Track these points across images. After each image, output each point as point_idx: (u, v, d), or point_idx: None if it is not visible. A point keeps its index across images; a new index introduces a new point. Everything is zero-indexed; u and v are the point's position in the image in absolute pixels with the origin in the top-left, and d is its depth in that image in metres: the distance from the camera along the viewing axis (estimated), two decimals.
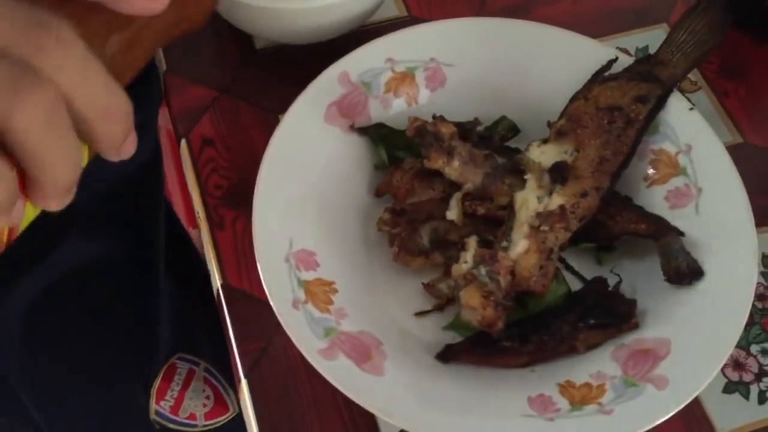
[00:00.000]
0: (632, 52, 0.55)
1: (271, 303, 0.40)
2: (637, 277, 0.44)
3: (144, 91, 0.67)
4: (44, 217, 0.59)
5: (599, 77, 0.47)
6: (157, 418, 0.58)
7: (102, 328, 0.57)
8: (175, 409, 0.59)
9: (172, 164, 1.02)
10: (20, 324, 0.54)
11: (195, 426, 0.59)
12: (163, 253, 0.63)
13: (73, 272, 0.57)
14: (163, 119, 0.96)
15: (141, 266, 0.61)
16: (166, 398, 0.58)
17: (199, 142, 0.50)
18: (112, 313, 0.59)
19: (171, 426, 0.59)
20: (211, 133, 0.51)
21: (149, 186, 0.67)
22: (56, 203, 0.26)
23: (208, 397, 0.60)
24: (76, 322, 0.56)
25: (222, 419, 0.60)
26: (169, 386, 0.59)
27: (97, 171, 0.60)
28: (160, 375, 0.58)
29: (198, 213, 0.48)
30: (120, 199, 0.63)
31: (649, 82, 0.46)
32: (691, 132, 0.45)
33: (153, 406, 0.58)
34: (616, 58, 0.47)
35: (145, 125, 0.67)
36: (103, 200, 0.61)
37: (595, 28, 0.55)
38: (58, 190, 0.25)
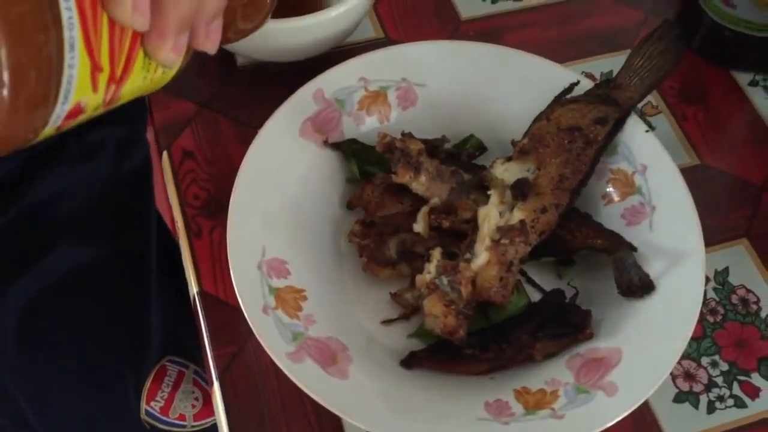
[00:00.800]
0: (597, 76, 0.57)
1: (243, 308, 0.42)
2: (594, 289, 0.47)
3: (132, 105, 0.69)
4: (35, 222, 0.61)
5: (561, 99, 0.49)
6: (147, 419, 0.60)
7: (94, 332, 0.59)
8: (165, 409, 0.60)
9: (160, 177, 1.04)
10: (13, 328, 0.56)
11: (184, 426, 0.61)
12: (155, 258, 0.65)
13: (65, 277, 0.59)
14: (152, 135, 0.98)
15: (132, 271, 0.63)
16: (156, 399, 0.60)
17: (180, 154, 0.53)
18: (104, 317, 0.60)
19: (161, 426, 0.60)
20: (192, 146, 0.53)
21: (140, 193, 0.68)
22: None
23: (197, 399, 0.62)
24: (69, 326, 0.58)
25: (210, 420, 0.62)
26: (160, 387, 0.60)
27: (88, 178, 0.62)
28: (151, 377, 0.60)
29: (177, 222, 0.50)
30: (111, 206, 0.64)
31: (607, 105, 0.48)
32: (647, 153, 0.48)
33: (143, 406, 0.60)
34: (578, 82, 0.50)
35: (133, 137, 0.69)
36: (95, 207, 0.63)
37: (562, 52, 0.58)
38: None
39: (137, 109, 0.71)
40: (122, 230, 0.64)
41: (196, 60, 0.57)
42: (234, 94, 0.55)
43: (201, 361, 0.64)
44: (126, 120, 0.69)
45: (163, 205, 1.02)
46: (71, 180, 0.62)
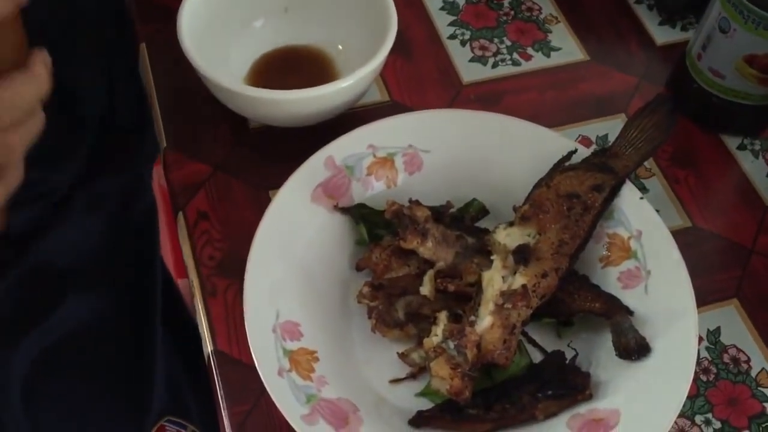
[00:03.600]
0: (593, 139, 0.60)
1: (259, 371, 0.44)
2: (592, 350, 0.49)
3: (136, 142, 0.71)
4: (42, 277, 0.63)
5: (560, 166, 0.52)
6: None
7: (97, 390, 0.60)
8: None
9: (163, 217, 1.06)
10: (19, 386, 0.57)
11: None
12: (160, 313, 0.66)
13: (71, 334, 0.60)
14: (156, 174, 1.00)
15: (137, 328, 0.64)
16: None
17: (195, 215, 0.55)
18: (108, 378, 0.61)
19: None
20: (206, 206, 0.55)
21: (146, 241, 0.70)
22: None
23: None
24: (73, 383, 0.59)
25: None
26: None
27: (95, 228, 0.64)
28: None
29: (192, 282, 0.52)
30: (118, 257, 0.66)
31: (604, 173, 0.51)
32: (642, 219, 0.50)
33: None
34: (576, 150, 0.52)
35: (138, 186, 0.71)
36: (101, 258, 0.64)
37: (559, 117, 0.61)
38: None
39: (142, 158, 0.73)
40: (128, 281, 0.66)
41: (209, 124, 0.60)
42: (246, 156, 0.58)
43: (200, 422, 0.65)
44: (131, 168, 0.71)
45: (165, 247, 1.04)
46: (78, 232, 0.63)
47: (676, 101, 0.55)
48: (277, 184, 0.51)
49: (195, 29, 0.54)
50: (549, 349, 0.49)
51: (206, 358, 0.50)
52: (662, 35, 0.67)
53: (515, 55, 0.65)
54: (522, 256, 0.47)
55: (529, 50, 0.65)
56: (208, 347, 0.50)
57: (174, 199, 0.56)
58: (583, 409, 0.46)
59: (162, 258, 0.74)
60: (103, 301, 0.62)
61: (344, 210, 0.52)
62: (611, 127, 0.61)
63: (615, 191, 0.51)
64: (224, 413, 0.47)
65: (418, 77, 0.63)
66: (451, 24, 0.66)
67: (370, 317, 0.49)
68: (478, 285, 0.48)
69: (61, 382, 0.59)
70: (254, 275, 0.47)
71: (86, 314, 0.60)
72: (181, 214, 0.55)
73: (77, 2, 0.59)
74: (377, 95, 0.62)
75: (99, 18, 0.67)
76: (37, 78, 0.35)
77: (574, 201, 0.50)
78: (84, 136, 0.63)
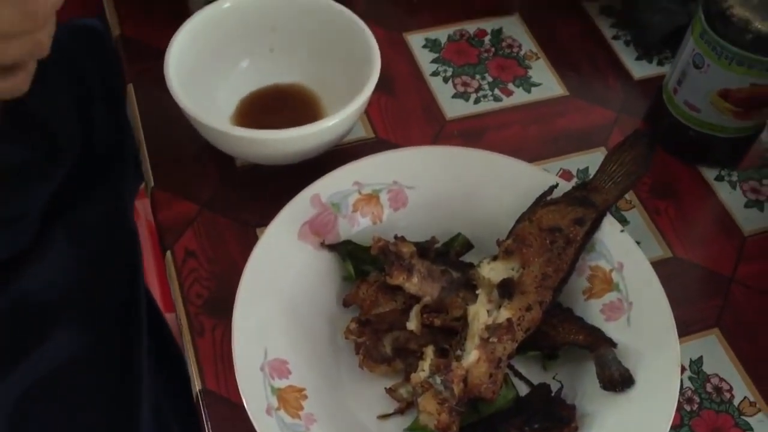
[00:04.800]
0: (574, 173, 0.61)
1: (247, 410, 0.44)
2: (578, 382, 0.49)
3: (117, 172, 0.72)
4: (26, 312, 0.63)
5: (542, 201, 0.53)
6: None
7: (83, 424, 0.60)
8: None
9: (150, 252, 1.06)
10: (6, 421, 0.57)
11: None
12: (145, 344, 0.66)
13: (57, 368, 0.60)
14: (143, 208, 1.01)
15: (123, 359, 0.64)
16: None
17: (183, 253, 0.55)
18: (93, 409, 0.61)
19: None
20: (194, 245, 0.56)
21: (127, 277, 0.70)
22: None
23: None
24: (60, 417, 0.59)
25: None
26: None
27: (76, 261, 0.64)
28: None
29: (180, 321, 0.52)
30: (98, 291, 0.66)
31: (585, 207, 0.52)
32: (623, 251, 0.51)
33: None
34: (557, 184, 0.53)
35: (119, 216, 0.71)
36: (82, 292, 0.64)
37: (540, 151, 0.62)
38: None
39: (123, 188, 0.73)
40: (111, 314, 0.66)
41: (197, 163, 0.61)
42: (234, 194, 0.58)
43: None
44: (111, 198, 0.71)
45: (153, 280, 1.04)
46: (59, 264, 0.63)
47: (654, 135, 0.56)
48: (265, 222, 0.52)
49: (182, 70, 0.55)
50: (535, 382, 0.50)
51: (194, 397, 0.50)
52: (639, 70, 0.69)
53: (497, 91, 0.66)
54: (506, 290, 0.48)
55: (510, 86, 0.67)
56: (196, 386, 0.50)
57: (162, 238, 0.56)
58: None
59: (147, 289, 0.74)
60: (87, 334, 0.62)
61: (331, 247, 0.52)
62: (591, 160, 0.62)
63: (596, 224, 0.52)
64: None
65: (402, 114, 0.64)
66: (434, 61, 0.68)
67: (357, 353, 0.49)
68: (463, 319, 0.48)
69: (48, 416, 0.58)
70: (242, 314, 0.47)
71: (71, 347, 0.60)
72: (169, 253, 0.55)
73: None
74: (362, 132, 0.63)
75: (73, 47, 0.68)
76: None
77: (556, 235, 0.51)
78: (56, 161, 0.63)
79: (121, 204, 0.73)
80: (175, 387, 0.68)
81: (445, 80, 0.67)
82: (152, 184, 0.59)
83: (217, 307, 0.53)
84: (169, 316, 0.81)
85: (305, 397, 0.46)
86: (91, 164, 0.68)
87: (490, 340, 0.47)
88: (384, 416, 0.48)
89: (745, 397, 0.51)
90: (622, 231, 0.52)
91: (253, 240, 0.53)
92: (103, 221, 0.69)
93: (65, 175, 0.64)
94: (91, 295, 0.65)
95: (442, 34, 0.70)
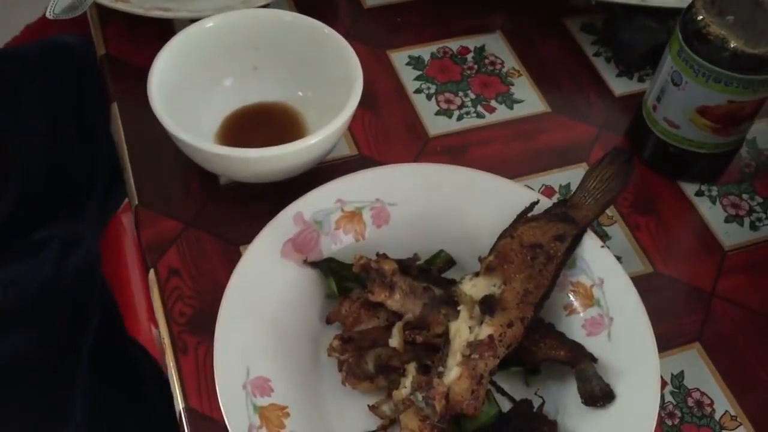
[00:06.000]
0: (556, 188, 0.62)
1: (229, 429, 0.44)
2: (559, 398, 0.50)
3: (84, 191, 0.72)
4: None
5: (523, 217, 0.53)
6: None
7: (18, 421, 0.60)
8: None
9: (137, 269, 1.06)
10: None
11: None
12: (87, 365, 0.66)
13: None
14: (128, 221, 1.01)
15: (60, 367, 0.64)
16: None
17: (166, 272, 0.55)
18: (28, 410, 0.61)
19: None
20: (178, 263, 0.56)
21: (82, 293, 0.70)
22: None
23: None
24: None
25: None
26: None
27: (31, 274, 0.64)
28: None
29: (164, 339, 0.52)
30: (53, 303, 0.66)
31: (565, 223, 0.52)
32: (603, 267, 0.52)
33: None
34: (538, 201, 0.54)
35: (78, 236, 0.71)
36: (34, 303, 0.64)
37: (523, 167, 0.63)
38: None
39: (82, 208, 0.74)
40: (60, 326, 0.66)
41: (181, 180, 0.61)
42: (217, 211, 0.59)
43: None
44: (72, 217, 0.71)
45: (138, 294, 1.03)
46: (13, 277, 0.63)
47: (633, 151, 0.57)
48: (249, 240, 0.52)
49: (166, 89, 0.56)
50: (517, 397, 0.50)
51: (178, 416, 0.50)
52: (620, 86, 0.69)
53: (479, 108, 0.67)
54: (488, 306, 0.49)
55: (493, 103, 0.67)
56: (179, 405, 0.50)
57: (145, 256, 0.56)
58: None
59: (107, 305, 0.74)
60: (27, 342, 0.62)
61: (314, 264, 0.53)
62: (573, 176, 0.62)
63: (577, 240, 0.52)
64: None
65: (385, 131, 0.65)
66: (417, 78, 0.68)
67: (340, 370, 0.49)
68: (445, 336, 0.49)
69: None
70: (224, 332, 0.47)
71: (8, 352, 0.60)
72: (152, 271, 0.55)
73: (20, 51, 0.61)
74: (346, 149, 0.63)
75: (47, 64, 0.68)
76: None
77: (537, 251, 0.51)
78: (8, 179, 0.63)
79: (80, 220, 0.73)
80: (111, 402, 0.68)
81: (429, 97, 0.67)
82: (136, 202, 0.59)
83: (200, 324, 0.53)
84: (155, 331, 0.81)
85: (287, 414, 0.46)
86: (57, 182, 0.68)
87: (472, 356, 0.47)
88: None
89: (726, 411, 0.52)
90: (602, 247, 0.52)
91: (236, 257, 0.53)
92: (61, 236, 0.69)
93: (26, 194, 0.64)
94: (40, 306, 0.65)
95: (425, 51, 0.71)
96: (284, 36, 0.61)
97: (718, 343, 0.55)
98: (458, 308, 0.49)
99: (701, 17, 0.54)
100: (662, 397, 0.52)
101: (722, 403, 0.52)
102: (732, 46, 0.53)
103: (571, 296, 0.52)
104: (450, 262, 0.55)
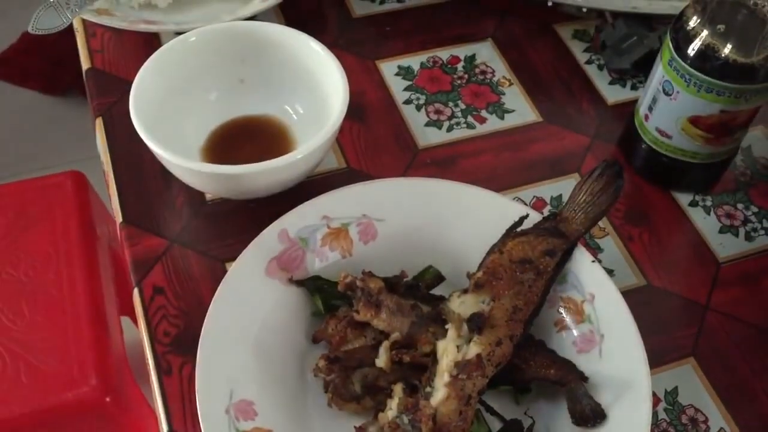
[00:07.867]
0: (547, 200, 0.61)
1: None
2: (550, 417, 0.49)
3: None
4: None
5: (512, 232, 0.52)
6: None
7: None
8: None
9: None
10: None
11: None
12: None
13: None
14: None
15: None
16: None
17: (151, 290, 0.54)
18: None
19: None
20: (163, 281, 0.55)
21: None
22: None
23: None
24: None
25: None
26: None
27: None
28: None
29: (148, 360, 0.52)
30: None
31: (555, 237, 0.51)
32: (594, 282, 0.51)
33: None
34: (527, 215, 0.53)
35: None
36: None
37: (514, 178, 0.62)
38: None
39: None
40: None
41: (166, 197, 0.60)
42: (202, 228, 0.58)
43: None
44: None
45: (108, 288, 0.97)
46: None
47: (626, 161, 0.56)
48: (235, 257, 0.51)
49: (150, 104, 0.55)
50: (507, 417, 0.49)
51: None
52: (613, 94, 0.68)
53: (470, 118, 0.66)
54: (476, 324, 0.48)
55: (484, 113, 0.66)
56: (163, 428, 0.49)
57: (130, 274, 0.55)
58: None
59: None
60: None
61: (299, 282, 0.52)
62: (565, 187, 0.61)
63: (567, 255, 0.51)
64: None
65: (374, 142, 0.64)
66: (407, 89, 0.67)
67: (326, 391, 0.48)
68: (433, 355, 0.48)
69: None
70: (206, 354, 0.46)
71: None
72: (136, 290, 0.54)
73: None
74: (334, 162, 0.62)
75: None
76: None
77: (526, 266, 0.50)
78: None
79: None
80: None
81: (418, 108, 0.66)
82: (121, 219, 0.58)
83: (184, 345, 0.52)
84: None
85: None
86: None
87: (459, 376, 0.46)
88: None
89: (721, 428, 0.51)
90: (593, 261, 0.51)
91: (222, 275, 0.52)
92: None
93: None
94: None
95: (415, 61, 0.70)
96: (270, 49, 0.60)
97: (713, 358, 0.54)
98: (446, 326, 0.48)
99: (692, 26, 0.53)
100: (656, 414, 0.51)
101: (717, 419, 0.51)
102: (723, 55, 0.52)
103: (561, 312, 0.51)
104: (439, 278, 0.54)
